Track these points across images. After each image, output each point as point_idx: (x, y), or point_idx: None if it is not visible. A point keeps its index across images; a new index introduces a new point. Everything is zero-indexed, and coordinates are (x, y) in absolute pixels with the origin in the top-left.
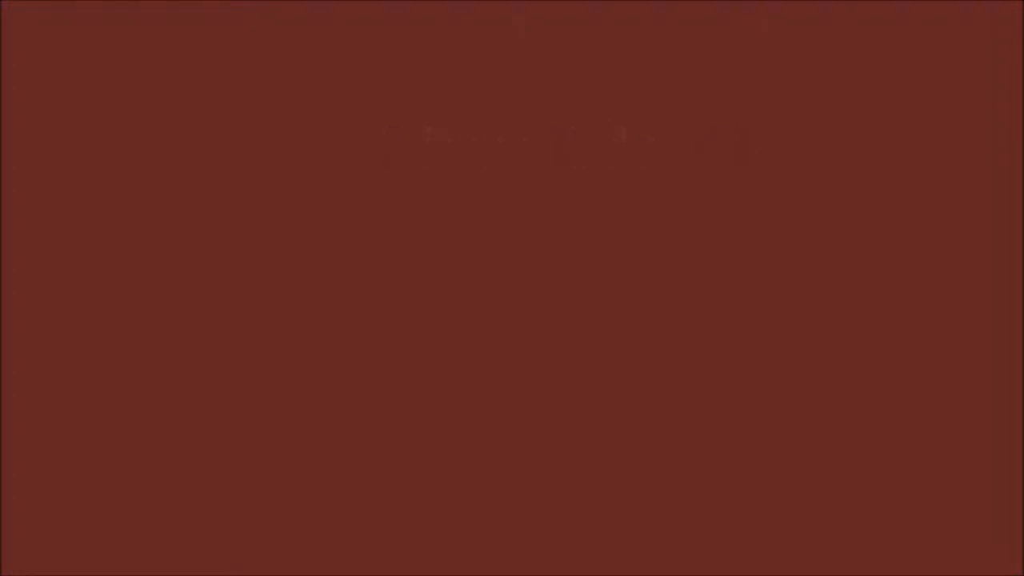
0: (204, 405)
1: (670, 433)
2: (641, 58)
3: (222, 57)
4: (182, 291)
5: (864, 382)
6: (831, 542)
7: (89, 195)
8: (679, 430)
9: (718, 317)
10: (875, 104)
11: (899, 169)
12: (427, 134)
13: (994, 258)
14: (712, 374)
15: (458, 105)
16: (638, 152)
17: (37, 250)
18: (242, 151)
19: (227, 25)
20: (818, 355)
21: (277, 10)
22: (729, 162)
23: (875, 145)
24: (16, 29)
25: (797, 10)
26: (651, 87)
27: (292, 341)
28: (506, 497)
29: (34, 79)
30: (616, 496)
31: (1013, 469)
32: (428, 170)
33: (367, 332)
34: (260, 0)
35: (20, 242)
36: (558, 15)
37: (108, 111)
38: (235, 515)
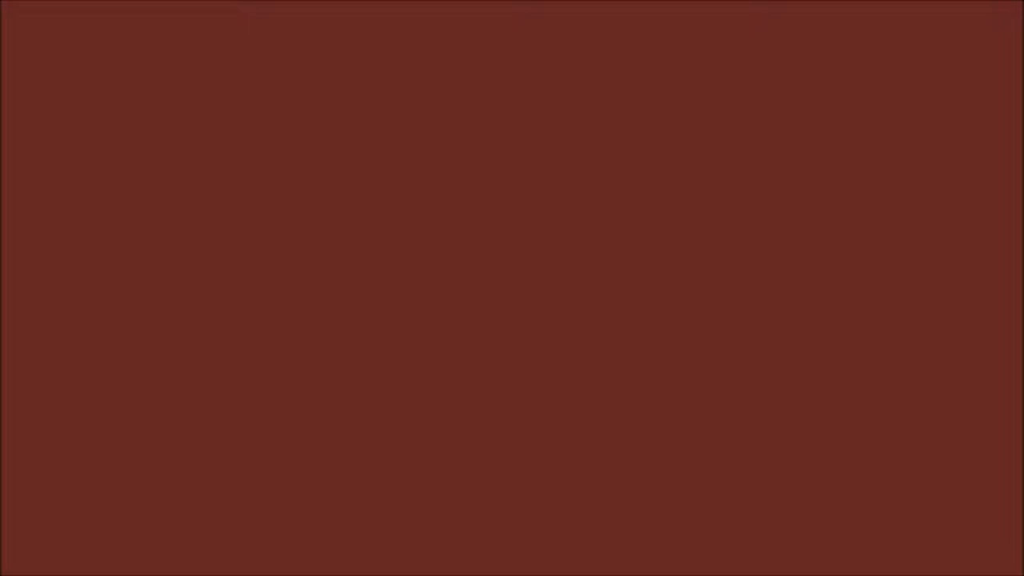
0: (204, 404)
1: (669, 435)
2: (642, 58)
3: (222, 56)
4: (180, 288)
5: (864, 382)
6: (831, 542)
7: (88, 195)
8: (678, 432)
9: (719, 318)
10: (874, 104)
11: (900, 169)
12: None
13: (995, 260)
14: (713, 376)
15: (457, 104)
16: (638, 152)
17: (37, 249)
18: (242, 151)
19: (227, 24)
20: (819, 355)
21: (277, 9)
22: (729, 163)
23: (875, 145)
24: (16, 29)
25: (796, 10)
26: (651, 87)
27: (290, 341)
28: (504, 500)
29: (35, 78)
30: (615, 498)
31: (1013, 469)
32: (426, 169)
33: (367, 331)
34: (261, 0)
35: (20, 242)
36: (558, 15)
37: (106, 110)
38: (236, 514)
